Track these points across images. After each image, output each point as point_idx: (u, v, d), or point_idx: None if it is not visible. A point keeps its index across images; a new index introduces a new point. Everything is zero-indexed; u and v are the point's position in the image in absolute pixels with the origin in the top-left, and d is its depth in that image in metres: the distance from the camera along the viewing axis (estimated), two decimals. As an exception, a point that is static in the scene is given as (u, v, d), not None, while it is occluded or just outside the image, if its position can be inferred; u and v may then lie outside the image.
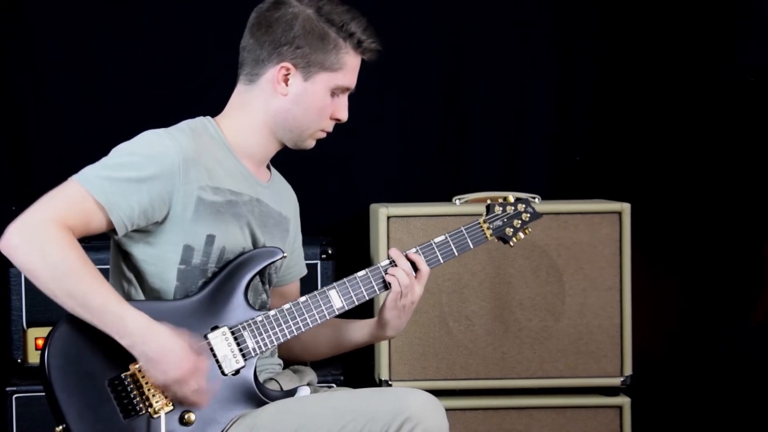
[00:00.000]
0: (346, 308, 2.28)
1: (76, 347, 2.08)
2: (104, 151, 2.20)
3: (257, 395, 2.19)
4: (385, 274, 2.30)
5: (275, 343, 2.23)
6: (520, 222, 2.43)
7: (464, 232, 2.37)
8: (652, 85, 3.85)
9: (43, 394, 2.08)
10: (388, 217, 3.24)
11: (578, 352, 3.27)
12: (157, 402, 2.10)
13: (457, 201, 3.30)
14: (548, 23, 3.82)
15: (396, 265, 2.30)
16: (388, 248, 2.68)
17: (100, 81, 3.66)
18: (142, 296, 2.22)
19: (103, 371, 2.09)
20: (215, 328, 2.19)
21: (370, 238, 3.41)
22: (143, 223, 2.16)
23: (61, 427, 2.06)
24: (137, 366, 2.10)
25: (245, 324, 2.20)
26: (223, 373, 2.17)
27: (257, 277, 2.27)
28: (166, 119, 2.30)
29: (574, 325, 3.27)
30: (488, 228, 2.40)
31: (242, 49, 2.29)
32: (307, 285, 2.49)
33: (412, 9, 3.78)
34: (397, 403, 2.08)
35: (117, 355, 2.08)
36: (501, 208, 2.42)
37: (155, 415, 2.10)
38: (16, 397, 3.13)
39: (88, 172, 2.14)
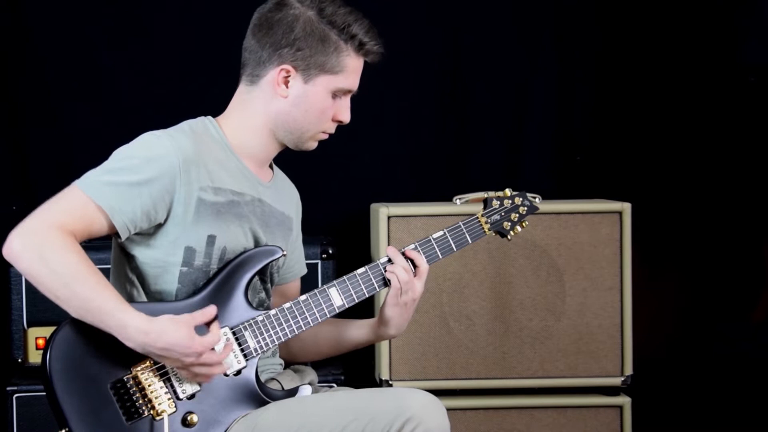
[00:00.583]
0: (347, 306, 2.28)
1: (78, 351, 2.08)
2: (104, 151, 2.20)
3: (259, 395, 2.19)
4: (385, 271, 2.30)
5: (276, 343, 2.23)
6: (517, 215, 2.43)
7: (462, 227, 2.38)
8: (652, 84, 3.85)
9: (44, 393, 2.08)
10: (389, 217, 3.24)
11: (579, 351, 3.27)
12: (159, 404, 2.11)
13: (458, 201, 3.30)
14: (548, 23, 3.82)
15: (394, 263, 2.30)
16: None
17: (100, 81, 3.65)
18: (144, 298, 2.22)
19: (105, 374, 2.09)
20: (216, 328, 2.19)
21: (370, 237, 3.41)
22: (145, 226, 2.17)
23: (63, 431, 2.06)
24: (139, 368, 2.10)
25: (246, 324, 2.20)
26: (224, 373, 2.17)
27: (257, 276, 2.27)
28: (166, 119, 2.30)
29: (575, 324, 3.27)
30: (486, 222, 2.40)
31: (244, 50, 2.29)
32: (308, 285, 2.48)
33: (412, 9, 3.78)
34: (398, 404, 2.08)
35: (119, 358, 2.08)
36: (498, 202, 2.42)
37: (158, 417, 2.10)
38: (16, 397, 3.13)
39: (89, 177, 2.14)
